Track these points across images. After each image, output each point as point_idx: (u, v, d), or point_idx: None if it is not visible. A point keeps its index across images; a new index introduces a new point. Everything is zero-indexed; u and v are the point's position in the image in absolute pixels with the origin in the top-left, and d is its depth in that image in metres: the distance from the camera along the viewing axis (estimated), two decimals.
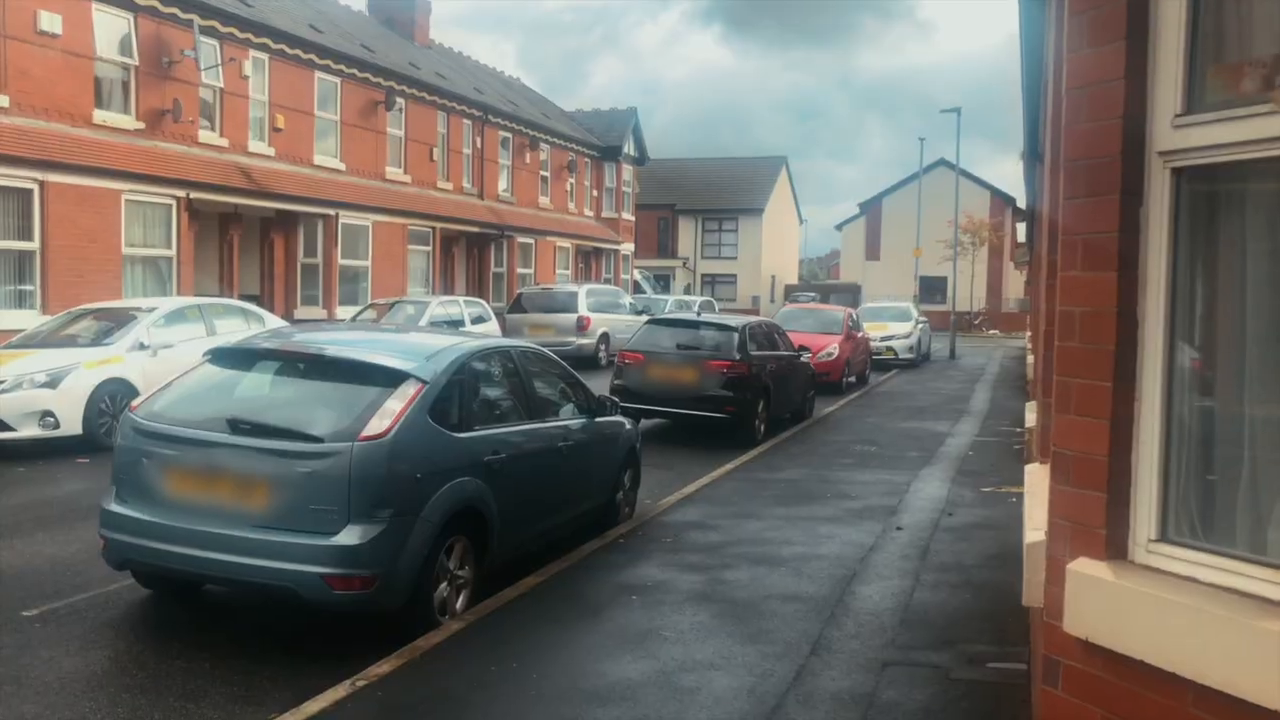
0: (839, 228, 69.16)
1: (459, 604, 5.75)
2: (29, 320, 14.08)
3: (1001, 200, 57.77)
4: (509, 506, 6.11)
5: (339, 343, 6.36)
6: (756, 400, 12.67)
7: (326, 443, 5.15)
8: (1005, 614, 5.81)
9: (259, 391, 5.97)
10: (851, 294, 51.74)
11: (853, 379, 20.15)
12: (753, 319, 13.82)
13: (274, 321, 13.45)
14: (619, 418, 8.25)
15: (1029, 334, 20.04)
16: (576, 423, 7.39)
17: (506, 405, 6.72)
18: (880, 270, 58.68)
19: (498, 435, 6.19)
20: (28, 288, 15.27)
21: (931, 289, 52.08)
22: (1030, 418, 6.03)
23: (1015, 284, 63.44)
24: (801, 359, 14.78)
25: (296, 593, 5.05)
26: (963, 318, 44.30)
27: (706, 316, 13.78)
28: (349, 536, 5.03)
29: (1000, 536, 7.72)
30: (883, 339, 24.87)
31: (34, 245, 15.21)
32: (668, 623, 5.58)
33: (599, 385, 10.55)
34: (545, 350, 7.69)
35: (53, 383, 10.46)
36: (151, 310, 11.97)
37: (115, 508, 5.44)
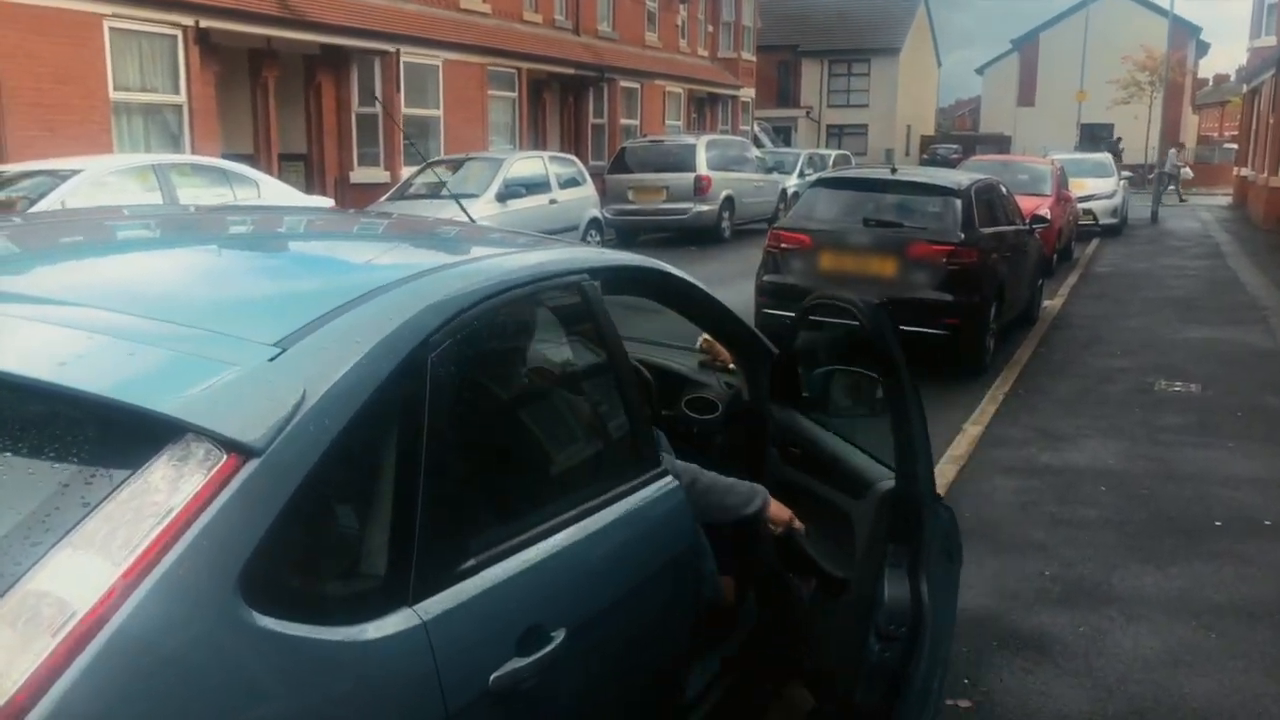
0: (980, 71, 61.72)
1: None
2: None
3: (1185, 30, 49.56)
4: None
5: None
6: (987, 305, 8.17)
7: None
8: None
9: None
10: (998, 146, 45.39)
11: (1056, 254, 15.28)
12: (973, 177, 9.14)
13: (273, 190, 9.43)
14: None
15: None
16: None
17: (557, 463, 2.29)
18: (1033, 118, 51.71)
19: (538, 570, 1.85)
20: None
21: (1095, 138, 45.30)
22: None
23: (1192, 130, 55.73)
24: (1034, 234, 10.12)
25: None
26: (1138, 172, 37.85)
27: (908, 174, 9.15)
28: None
29: None
30: (1079, 199, 19.61)
31: None
32: None
33: (725, 271, 6.38)
34: (679, 273, 2.75)
35: None
36: (71, 175, 8.03)
37: None
